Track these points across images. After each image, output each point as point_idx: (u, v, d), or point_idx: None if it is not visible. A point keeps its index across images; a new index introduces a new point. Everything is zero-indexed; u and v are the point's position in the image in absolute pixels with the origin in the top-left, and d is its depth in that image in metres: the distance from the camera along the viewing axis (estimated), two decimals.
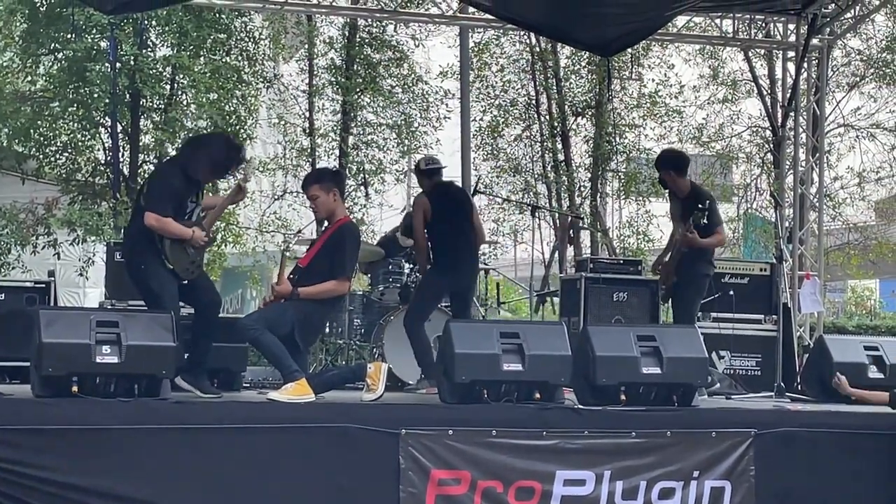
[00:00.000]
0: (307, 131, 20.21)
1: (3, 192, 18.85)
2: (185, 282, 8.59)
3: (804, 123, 15.33)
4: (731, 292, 11.76)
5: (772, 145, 21.66)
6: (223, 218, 18.89)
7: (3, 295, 10.81)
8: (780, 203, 14.19)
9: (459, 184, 17.19)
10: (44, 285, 11.06)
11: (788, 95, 15.29)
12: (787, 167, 15.72)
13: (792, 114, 15.17)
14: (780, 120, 20.37)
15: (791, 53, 15.43)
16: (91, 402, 7.39)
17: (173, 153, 8.74)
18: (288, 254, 8.57)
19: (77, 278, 18.58)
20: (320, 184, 8.90)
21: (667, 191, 10.99)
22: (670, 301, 10.94)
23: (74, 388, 7.41)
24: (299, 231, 12.87)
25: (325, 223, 9.10)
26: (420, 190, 10.51)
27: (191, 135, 16.39)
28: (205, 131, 16.99)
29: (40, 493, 7.07)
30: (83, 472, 7.15)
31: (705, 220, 10.27)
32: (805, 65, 15.01)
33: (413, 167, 11.13)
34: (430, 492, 7.70)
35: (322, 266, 8.71)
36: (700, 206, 10.25)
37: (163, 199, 8.47)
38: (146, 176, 15.81)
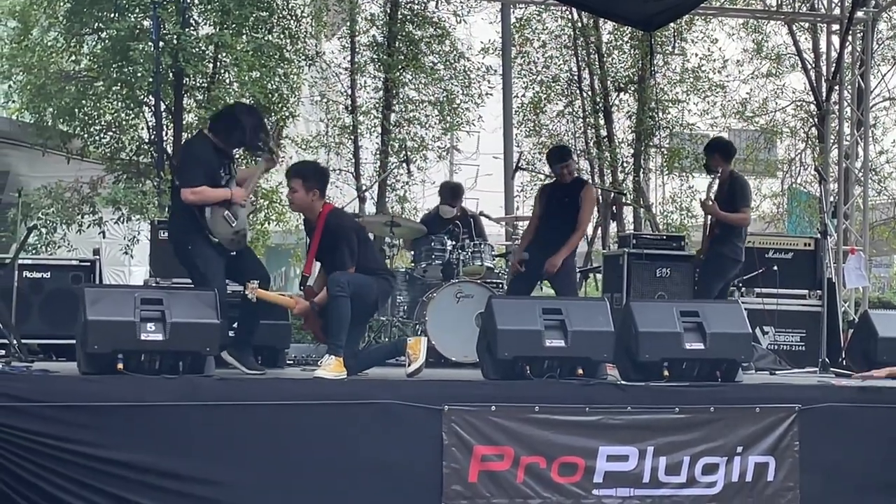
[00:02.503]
0: (349, 109, 20.19)
1: (49, 172, 18.96)
2: (233, 253, 8.60)
3: (849, 97, 15.24)
4: (776, 267, 11.70)
5: (816, 120, 21.49)
6: (267, 196, 19.00)
7: (48, 273, 10.92)
8: (825, 178, 14.09)
9: (501, 160, 17.24)
10: (89, 263, 11.16)
11: (833, 69, 15.20)
12: (832, 141, 15.65)
13: (836, 88, 15.06)
14: (824, 94, 20.28)
15: (835, 27, 15.35)
16: (136, 379, 7.46)
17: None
18: (255, 285, 8.59)
19: (122, 257, 18.69)
20: (304, 181, 8.83)
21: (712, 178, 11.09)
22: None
23: (120, 366, 7.47)
24: (341, 209, 12.83)
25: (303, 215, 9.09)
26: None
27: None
28: None
29: (86, 469, 7.15)
30: (128, 448, 7.22)
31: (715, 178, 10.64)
32: (850, 38, 14.90)
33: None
34: (474, 467, 7.73)
35: (327, 263, 8.79)
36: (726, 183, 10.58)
37: (193, 171, 8.50)
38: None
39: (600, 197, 21.08)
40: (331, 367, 8.14)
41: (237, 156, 9.30)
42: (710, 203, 10.61)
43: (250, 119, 8.83)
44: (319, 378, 8.05)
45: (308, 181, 8.83)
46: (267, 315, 9.25)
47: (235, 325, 8.79)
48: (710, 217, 10.79)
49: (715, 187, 10.69)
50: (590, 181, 12.10)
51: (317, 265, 9.17)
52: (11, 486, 7.05)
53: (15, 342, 8.97)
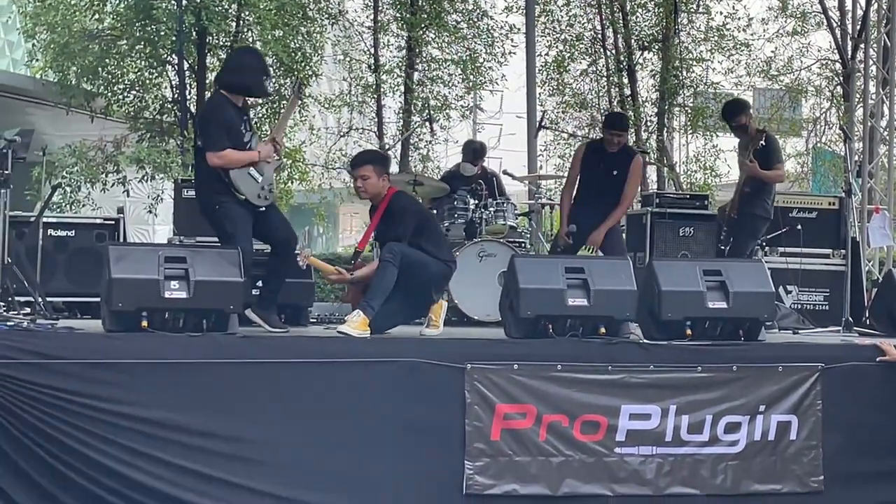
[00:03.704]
0: (372, 67, 20.18)
1: (73, 131, 19.01)
2: (262, 209, 8.60)
3: (874, 55, 15.14)
4: (800, 227, 11.65)
5: (841, 78, 21.38)
6: (290, 155, 19.01)
7: (73, 232, 10.99)
8: (850, 136, 14.04)
9: (525, 119, 17.20)
10: (113, 222, 11.22)
11: (859, 27, 15.10)
12: (857, 100, 15.59)
13: (862, 46, 14.96)
14: (850, 52, 20.18)
15: None
16: (160, 336, 7.49)
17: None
18: (309, 252, 8.64)
19: (146, 215, 18.77)
20: (374, 166, 8.91)
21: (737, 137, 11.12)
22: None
23: (144, 323, 7.50)
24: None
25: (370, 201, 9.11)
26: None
27: None
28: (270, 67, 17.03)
29: (110, 426, 7.19)
30: (152, 405, 7.26)
31: (763, 143, 10.56)
32: None
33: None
34: (496, 425, 7.74)
35: (383, 241, 8.80)
36: (762, 141, 10.56)
37: (216, 133, 8.44)
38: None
39: None
40: (355, 324, 8.16)
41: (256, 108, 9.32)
42: (750, 161, 10.59)
43: (247, 58, 8.91)
44: (343, 333, 8.08)
45: (377, 166, 8.93)
46: (291, 274, 9.29)
47: (260, 283, 8.80)
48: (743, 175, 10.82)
49: (757, 146, 10.64)
50: (638, 151, 11.95)
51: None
52: (36, 442, 7.09)
53: (40, 300, 9.02)
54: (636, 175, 10.90)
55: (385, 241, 8.76)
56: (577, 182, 10.94)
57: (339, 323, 8.51)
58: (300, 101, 9.33)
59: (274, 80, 9.04)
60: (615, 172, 10.64)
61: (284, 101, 18.06)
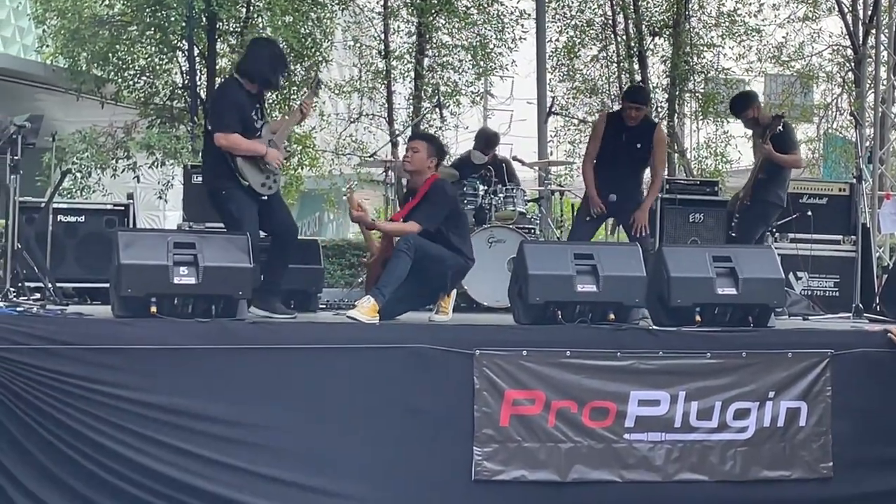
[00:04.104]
0: (382, 53, 20.16)
1: (83, 116, 19.04)
2: (265, 198, 8.61)
3: (886, 41, 15.09)
4: (810, 213, 11.62)
5: (853, 64, 21.28)
6: (300, 141, 19.02)
7: (83, 217, 11.01)
8: (861, 122, 14.02)
9: (535, 105, 17.17)
10: (123, 208, 11.24)
11: (870, 12, 15.04)
12: (868, 86, 15.53)
13: (873, 31, 14.91)
14: (861, 38, 20.10)
15: None
16: (169, 322, 7.49)
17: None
18: (354, 184, 8.66)
19: (157, 201, 18.80)
20: (429, 144, 8.99)
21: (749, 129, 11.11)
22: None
23: (153, 309, 7.50)
24: (374, 154, 12.87)
25: (410, 178, 9.14)
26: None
27: None
28: None
29: (118, 411, 7.20)
30: (161, 390, 7.27)
31: (781, 128, 10.57)
32: None
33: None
34: (505, 411, 7.74)
35: (412, 217, 8.80)
36: (780, 126, 10.57)
37: (227, 116, 8.50)
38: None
39: None
40: (365, 310, 8.16)
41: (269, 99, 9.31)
42: (768, 146, 10.59)
43: (268, 50, 8.92)
44: (352, 318, 8.08)
45: (432, 147, 8.98)
46: (300, 259, 9.29)
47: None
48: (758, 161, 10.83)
49: (775, 130, 10.64)
50: (659, 122, 11.94)
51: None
52: (45, 426, 7.11)
53: (50, 285, 9.04)
54: (662, 145, 10.81)
55: (413, 220, 8.75)
56: (598, 153, 10.84)
57: (349, 309, 8.52)
58: (307, 114, 9.27)
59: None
60: (638, 146, 10.59)
61: (294, 88, 18.09)
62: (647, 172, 10.95)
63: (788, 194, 11.37)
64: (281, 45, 9.36)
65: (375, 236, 9.21)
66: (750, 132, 11.43)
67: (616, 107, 19.74)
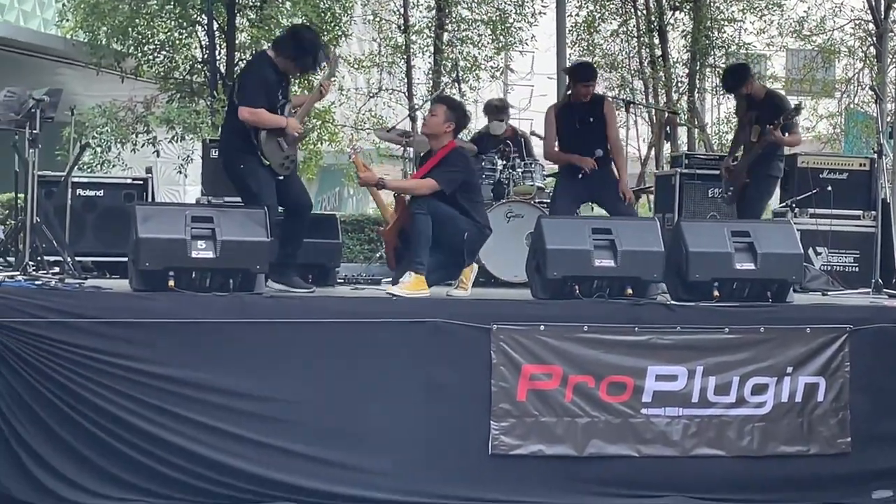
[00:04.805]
0: (402, 28, 20.11)
1: (103, 91, 19.05)
2: (281, 177, 8.63)
3: None
4: (830, 188, 11.58)
5: (874, 38, 21.16)
6: (319, 116, 19.00)
7: (102, 191, 11.04)
8: (882, 97, 13.94)
9: (555, 80, 17.12)
10: (141, 182, 11.26)
11: None
12: (890, 61, 15.42)
13: (895, 5, 14.81)
14: (883, 12, 19.97)
15: None
16: (187, 296, 7.53)
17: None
18: (357, 147, 8.65)
19: (176, 176, 18.81)
20: (448, 109, 8.89)
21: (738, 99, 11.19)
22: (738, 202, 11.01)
23: (171, 283, 7.53)
24: (392, 128, 12.85)
25: (429, 143, 9.04)
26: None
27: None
28: None
29: (136, 384, 7.25)
30: (179, 364, 7.32)
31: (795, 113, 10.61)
32: None
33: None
34: (522, 386, 7.75)
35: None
36: (792, 108, 10.65)
37: (254, 91, 8.52)
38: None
39: (654, 117, 20.99)
40: (408, 285, 8.18)
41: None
42: (777, 133, 10.55)
43: (316, 43, 8.86)
44: (395, 296, 8.09)
45: (451, 111, 8.87)
46: (318, 234, 9.29)
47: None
48: (751, 136, 10.81)
49: (791, 119, 10.66)
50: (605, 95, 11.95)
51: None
52: (63, 399, 7.15)
53: (68, 259, 9.06)
54: (613, 115, 10.86)
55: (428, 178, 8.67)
56: (561, 145, 10.78)
57: (368, 284, 8.52)
58: (326, 93, 9.24)
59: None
60: (591, 120, 10.53)
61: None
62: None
63: (809, 170, 11.36)
64: (318, 35, 9.35)
65: (389, 206, 9.16)
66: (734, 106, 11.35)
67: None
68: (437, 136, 8.84)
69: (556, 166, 12.73)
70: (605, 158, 10.49)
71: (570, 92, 10.93)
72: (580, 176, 10.43)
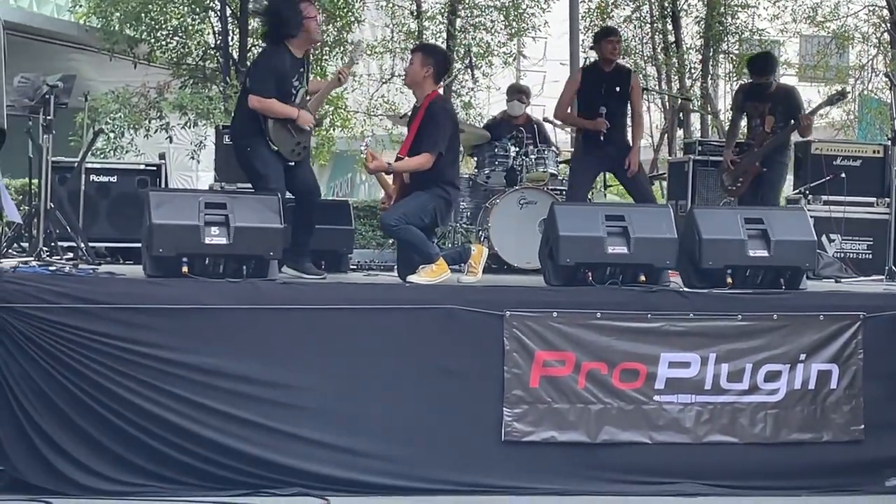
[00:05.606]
0: (414, 14, 20.10)
1: (116, 76, 19.08)
2: (291, 163, 8.63)
3: None
4: (843, 175, 11.55)
5: (889, 24, 21.10)
6: (332, 102, 19.00)
7: (115, 177, 11.07)
8: None
9: (568, 66, 17.11)
10: (155, 168, 11.28)
11: None
12: None
13: None
14: None
15: None
16: (200, 282, 7.53)
17: None
18: (369, 140, 8.62)
19: (189, 162, 18.85)
20: (423, 55, 8.78)
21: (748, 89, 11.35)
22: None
23: (184, 269, 7.54)
24: (405, 114, 12.83)
25: (414, 94, 9.01)
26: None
27: None
28: None
29: (150, 370, 7.26)
30: (192, 350, 7.33)
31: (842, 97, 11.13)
32: None
33: None
34: (535, 372, 7.75)
35: (420, 147, 8.65)
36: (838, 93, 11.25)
37: (265, 79, 8.51)
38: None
39: (667, 103, 20.95)
40: (428, 273, 8.21)
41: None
42: (811, 119, 10.72)
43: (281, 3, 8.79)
44: (411, 282, 8.13)
45: (427, 57, 8.76)
46: (330, 220, 9.28)
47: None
48: (765, 126, 10.85)
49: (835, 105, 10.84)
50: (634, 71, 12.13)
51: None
52: (77, 385, 7.17)
53: (82, 245, 9.08)
54: (638, 90, 10.96)
55: (421, 151, 8.55)
56: (581, 109, 10.90)
57: (381, 270, 8.52)
58: (344, 81, 9.22)
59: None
60: (618, 89, 10.65)
61: (326, 49, 18.07)
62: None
63: (822, 156, 11.38)
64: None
65: (390, 180, 9.12)
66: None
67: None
68: (418, 83, 8.75)
69: (569, 153, 12.74)
70: (624, 130, 10.63)
71: (597, 58, 11.00)
72: (602, 138, 10.52)
